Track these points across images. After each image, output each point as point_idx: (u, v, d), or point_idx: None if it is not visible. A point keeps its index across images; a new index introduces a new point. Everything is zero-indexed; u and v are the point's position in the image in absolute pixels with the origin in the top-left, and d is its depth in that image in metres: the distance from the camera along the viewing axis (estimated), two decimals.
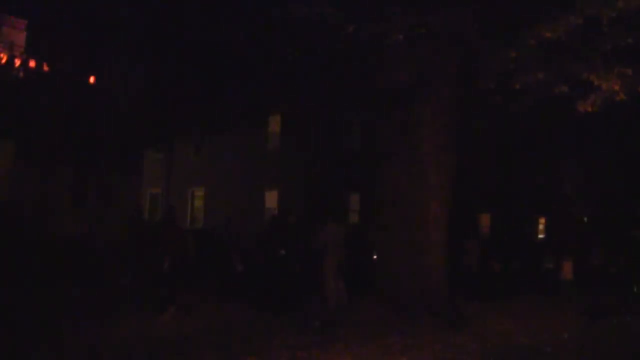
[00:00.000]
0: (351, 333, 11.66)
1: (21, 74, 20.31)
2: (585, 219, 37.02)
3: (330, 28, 13.40)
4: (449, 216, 14.72)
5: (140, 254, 15.36)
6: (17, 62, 20.20)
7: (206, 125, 27.83)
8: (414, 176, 14.36)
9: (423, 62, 14.08)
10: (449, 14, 12.85)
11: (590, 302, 16.64)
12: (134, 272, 15.74)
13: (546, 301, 17.71)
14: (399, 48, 13.67)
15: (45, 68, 20.61)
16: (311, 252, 15.56)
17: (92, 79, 21.73)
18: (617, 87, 13.11)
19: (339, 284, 14.69)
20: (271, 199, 31.11)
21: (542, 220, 37.70)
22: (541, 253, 23.51)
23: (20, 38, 20.44)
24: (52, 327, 11.24)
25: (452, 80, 14.48)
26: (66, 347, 9.95)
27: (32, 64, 20.40)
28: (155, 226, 21.68)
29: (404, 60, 14.13)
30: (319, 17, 13.13)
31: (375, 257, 16.14)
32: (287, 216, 17.33)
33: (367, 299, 14.52)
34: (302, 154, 29.60)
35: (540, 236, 36.82)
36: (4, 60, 20.00)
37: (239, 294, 15.35)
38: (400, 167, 14.55)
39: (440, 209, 14.45)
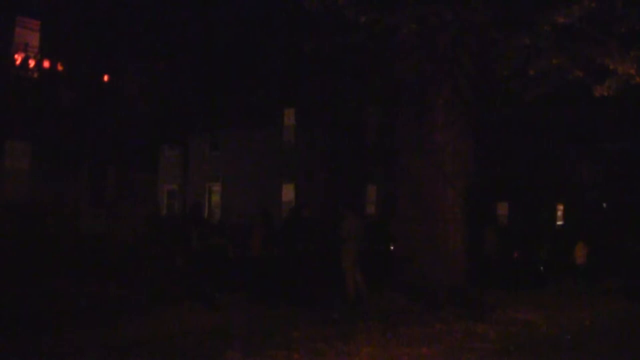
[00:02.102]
0: (371, 324, 11.64)
1: (35, 75, 20.38)
2: (604, 204, 36.86)
3: (345, 20, 13.39)
4: (468, 205, 14.67)
5: (161, 250, 15.39)
6: (32, 63, 20.26)
7: (221, 121, 27.87)
8: (430, 166, 14.34)
9: (437, 52, 14.02)
10: (460, 3, 12.79)
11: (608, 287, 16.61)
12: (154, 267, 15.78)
13: (564, 287, 17.66)
14: (412, 39, 13.62)
15: (60, 68, 20.66)
16: (329, 245, 15.57)
17: (106, 78, 21.79)
18: (632, 71, 13.01)
19: (358, 276, 14.67)
20: (288, 193, 31.15)
21: (560, 207, 37.60)
22: (559, 240, 23.45)
23: (34, 39, 20.46)
24: (65, 325, 11.23)
25: (466, 69, 14.41)
26: (83, 343, 9.97)
27: (46, 64, 20.46)
28: (177, 222, 21.82)
29: (418, 51, 14.07)
30: (332, 11, 13.12)
31: (392, 247, 16.13)
32: (302, 210, 17.34)
33: (386, 289, 14.52)
34: (318, 147, 29.60)
35: (559, 223, 36.75)
36: (18, 62, 20.07)
37: (258, 288, 15.34)
38: (416, 158, 14.54)
39: (457, 198, 14.42)
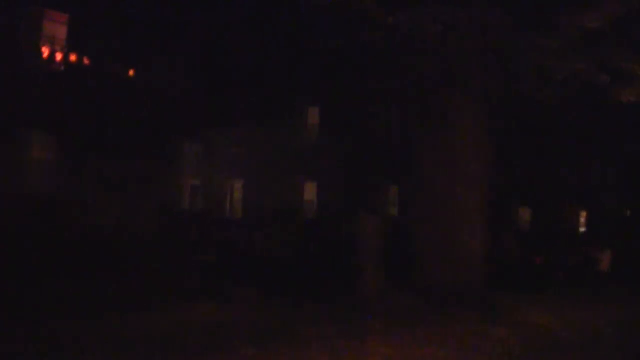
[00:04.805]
0: (388, 323, 11.64)
1: (62, 68, 20.54)
2: (628, 211, 36.56)
3: (369, 20, 13.38)
4: (487, 208, 14.61)
5: (177, 244, 15.44)
6: (59, 56, 20.43)
7: (244, 118, 27.93)
8: (450, 168, 14.28)
9: (458, 53, 13.95)
10: (484, 6, 12.75)
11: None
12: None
13: (585, 293, 17.54)
14: (434, 39, 13.57)
15: (86, 62, 20.82)
16: (347, 243, 15.57)
17: (131, 72, 21.93)
18: None
19: (376, 275, 14.66)
20: (310, 191, 31.16)
21: (583, 213, 37.36)
22: (581, 245, 23.29)
23: (62, 32, 20.61)
24: (88, 319, 11.30)
25: (487, 71, 14.33)
26: (99, 339, 10.02)
27: (72, 57, 20.61)
28: (196, 217, 21.93)
29: (439, 52, 14.01)
30: (356, 10, 13.13)
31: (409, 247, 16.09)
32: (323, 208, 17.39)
33: (404, 289, 14.49)
34: (341, 146, 29.60)
35: (582, 229, 36.53)
36: (45, 55, 20.24)
37: (273, 284, 15.37)
38: (436, 159, 14.48)
39: (477, 200, 14.35)
